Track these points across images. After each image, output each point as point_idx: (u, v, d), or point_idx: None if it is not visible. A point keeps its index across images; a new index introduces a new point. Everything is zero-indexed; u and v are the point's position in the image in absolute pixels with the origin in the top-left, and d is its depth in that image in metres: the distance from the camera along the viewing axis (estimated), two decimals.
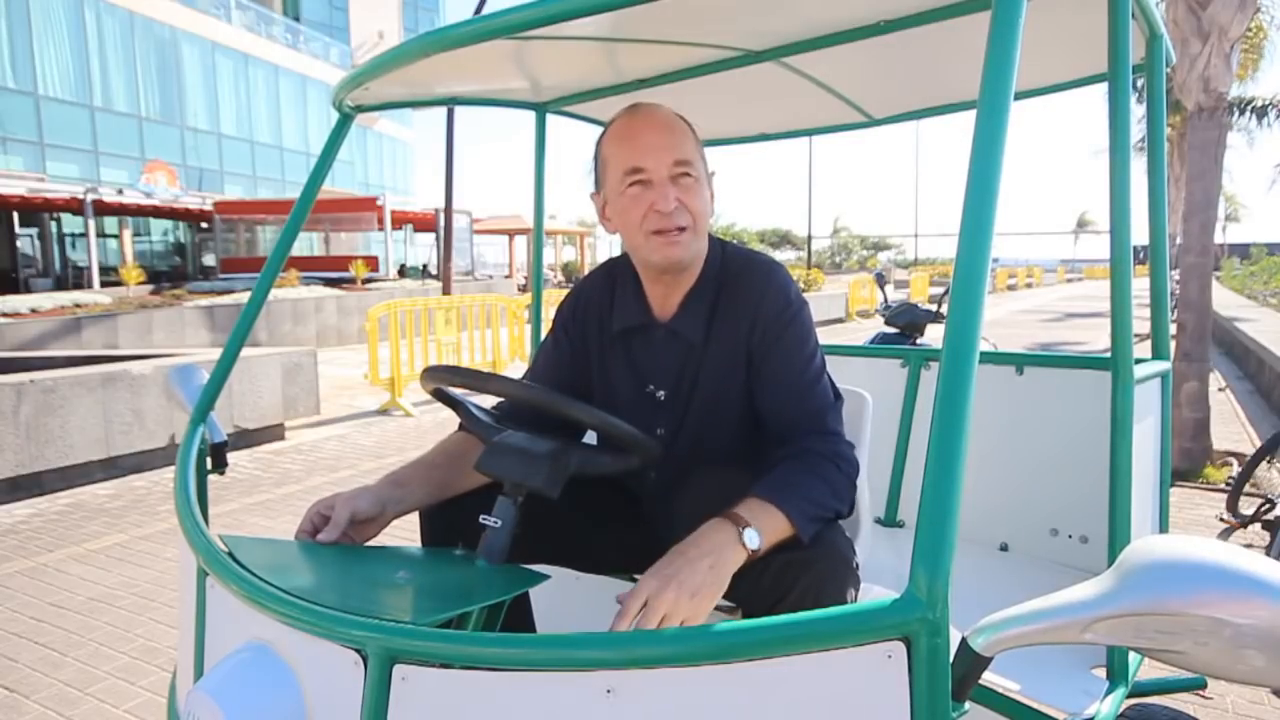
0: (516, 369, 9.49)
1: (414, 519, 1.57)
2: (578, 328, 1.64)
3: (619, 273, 1.61)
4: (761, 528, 1.17)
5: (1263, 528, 3.96)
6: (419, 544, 1.54)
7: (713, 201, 1.49)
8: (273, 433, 6.49)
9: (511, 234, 29.85)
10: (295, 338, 13.53)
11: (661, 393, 1.54)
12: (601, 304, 1.61)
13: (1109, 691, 1.56)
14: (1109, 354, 1.65)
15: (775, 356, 1.44)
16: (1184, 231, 5.36)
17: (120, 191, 20.20)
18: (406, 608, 1.14)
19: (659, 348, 1.54)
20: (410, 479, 1.47)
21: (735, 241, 1.61)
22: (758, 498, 1.22)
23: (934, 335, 5.16)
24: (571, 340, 1.64)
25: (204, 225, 25.38)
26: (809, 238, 32.55)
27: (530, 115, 2.54)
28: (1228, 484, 4.57)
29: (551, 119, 2.55)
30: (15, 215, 20.54)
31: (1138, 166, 1.66)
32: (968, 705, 0.83)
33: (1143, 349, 1.87)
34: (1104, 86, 1.71)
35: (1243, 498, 4.18)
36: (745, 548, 1.15)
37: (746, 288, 1.47)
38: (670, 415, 1.54)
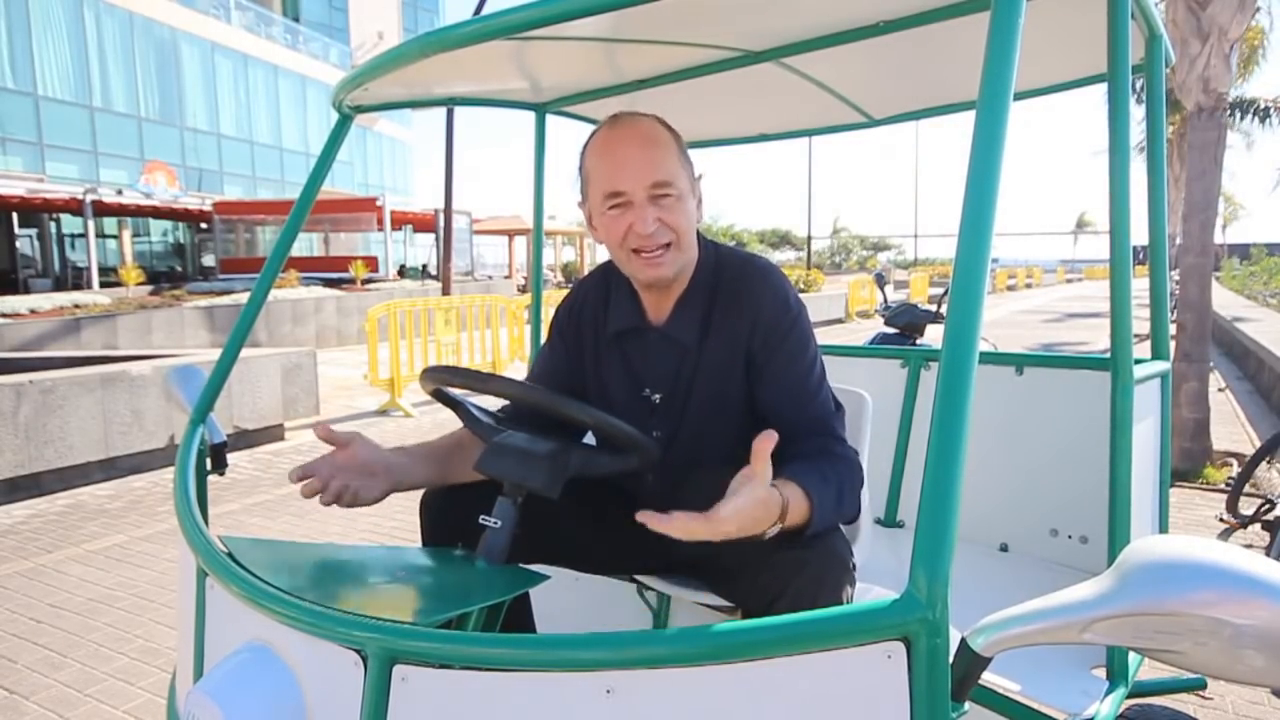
0: (516, 370, 9.50)
1: (414, 519, 1.57)
2: (574, 330, 1.64)
3: (614, 276, 1.61)
4: (787, 528, 1.17)
5: (1263, 528, 3.96)
6: (419, 544, 1.54)
7: (700, 207, 1.49)
8: (272, 433, 6.49)
9: (511, 234, 29.85)
10: (295, 338, 13.53)
11: (657, 396, 1.55)
12: (597, 307, 1.62)
13: (1109, 691, 1.56)
14: (1109, 354, 1.65)
15: (778, 362, 1.44)
16: (1184, 231, 5.36)
17: (119, 192, 20.20)
18: (406, 608, 1.14)
19: (653, 351, 1.54)
20: (414, 452, 1.49)
21: (732, 243, 1.61)
22: (803, 492, 1.20)
23: (934, 335, 5.15)
24: (567, 343, 1.64)
25: (203, 226, 25.37)
26: (808, 238, 32.51)
27: (530, 119, 2.54)
28: (1228, 484, 4.57)
29: (551, 119, 2.55)
30: (14, 216, 20.53)
31: (1137, 167, 1.66)
32: (968, 705, 0.83)
33: (1143, 349, 1.87)
34: (1104, 87, 1.71)
35: (1242, 498, 4.19)
36: (762, 535, 1.14)
37: (744, 292, 1.47)
38: (666, 418, 1.54)
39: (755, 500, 1.10)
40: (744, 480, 1.11)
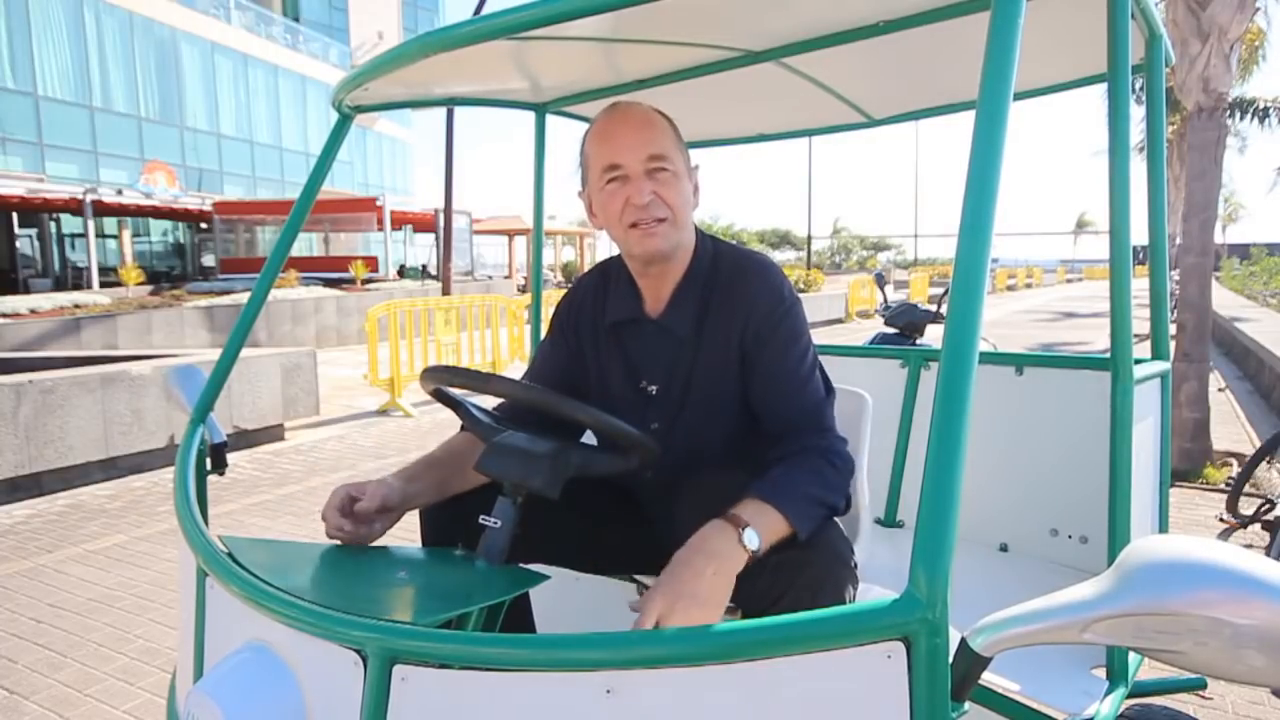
0: (516, 369, 9.49)
1: (414, 519, 1.57)
2: (573, 325, 1.65)
3: (613, 270, 1.63)
4: (760, 528, 1.17)
5: (1263, 528, 3.96)
6: (419, 544, 1.54)
7: (696, 194, 1.50)
8: (272, 433, 6.49)
9: (511, 234, 29.85)
10: (295, 338, 13.53)
11: (653, 388, 1.55)
12: (595, 301, 1.63)
13: (1109, 691, 1.56)
14: (1109, 354, 1.66)
15: (768, 354, 1.44)
16: (1184, 231, 5.36)
17: (120, 192, 20.19)
18: (406, 608, 1.14)
19: (650, 342, 1.55)
20: (420, 475, 1.49)
21: (732, 241, 1.62)
22: (756, 498, 1.22)
23: (934, 335, 5.16)
24: (567, 338, 1.65)
25: (203, 226, 25.38)
26: (809, 238, 32.52)
27: (530, 115, 2.54)
28: (1228, 484, 4.57)
29: (551, 119, 2.55)
30: (14, 216, 20.53)
31: (1137, 167, 1.66)
32: (968, 705, 0.83)
33: (1143, 349, 1.87)
34: (1104, 86, 1.71)
35: (1242, 498, 4.18)
36: (746, 549, 1.15)
37: (740, 286, 1.48)
38: (663, 410, 1.55)
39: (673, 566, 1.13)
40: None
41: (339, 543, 1.38)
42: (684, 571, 1.12)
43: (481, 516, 1.29)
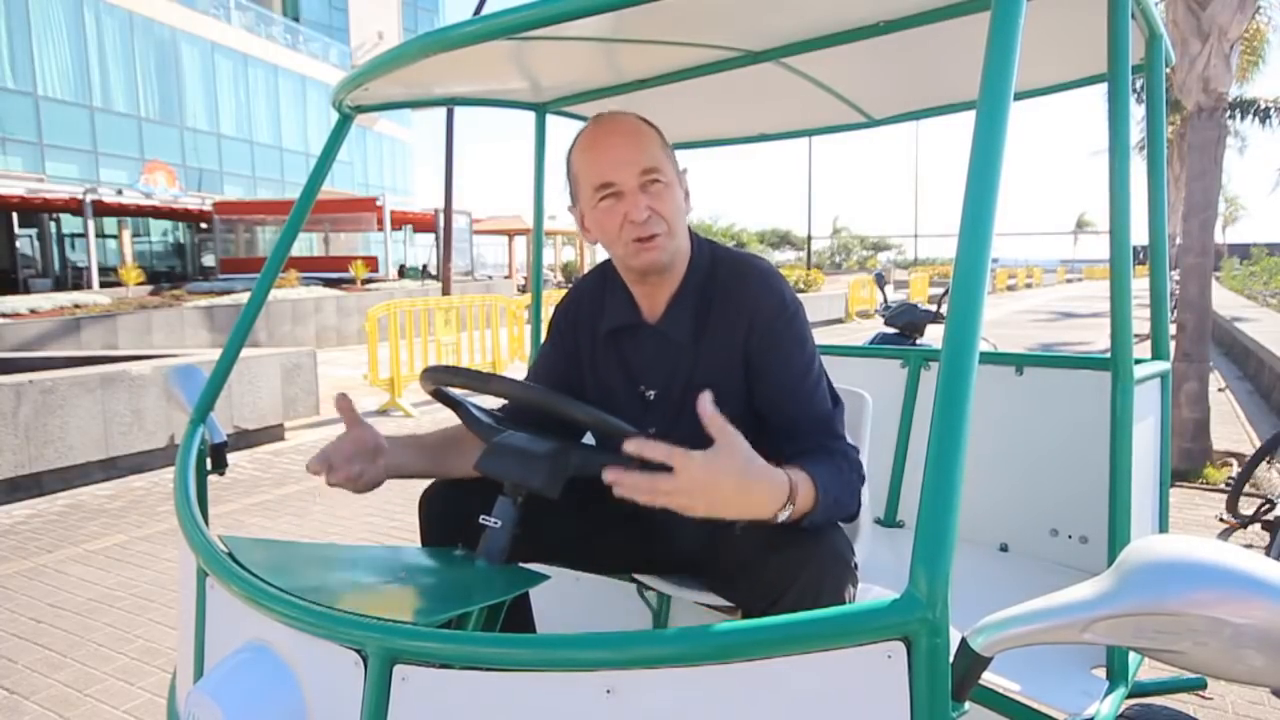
0: (516, 370, 9.49)
1: (414, 519, 1.57)
2: (571, 329, 1.64)
3: (611, 274, 1.62)
4: (795, 514, 1.16)
5: (1263, 528, 3.96)
6: (419, 544, 1.54)
7: (687, 200, 1.50)
8: (272, 433, 6.49)
9: (511, 234, 29.86)
10: (295, 338, 13.53)
11: (651, 393, 1.55)
12: (594, 305, 1.62)
13: (1109, 691, 1.56)
14: (1109, 354, 1.66)
15: (775, 361, 1.44)
16: (1184, 231, 5.36)
17: (119, 192, 20.20)
18: (406, 608, 1.14)
19: (648, 348, 1.55)
20: (404, 441, 1.51)
21: (732, 243, 1.62)
22: (809, 478, 1.19)
23: (934, 335, 5.16)
24: (566, 342, 1.64)
25: (203, 226, 25.39)
26: (809, 238, 32.55)
27: (530, 115, 2.54)
28: (1228, 484, 4.57)
29: (551, 119, 2.55)
30: (14, 216, 20.54)
31: (1137, 167, 1.66)
32: (968, 705, 0.83)
33: (1143, 349, 1.87)
34: (1103, 86, 1.71)
35: (1242, 498, 4.19)
36: (774, 516, 1.13)
37: (741, 291, 1.47)
38: (661, 415, 1.54)
39: (734, 461, 1.07)
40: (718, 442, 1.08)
41: (339, 543, 1.38)
42: (731, 490, 1.07)
43: (481, 516, 1.29)
